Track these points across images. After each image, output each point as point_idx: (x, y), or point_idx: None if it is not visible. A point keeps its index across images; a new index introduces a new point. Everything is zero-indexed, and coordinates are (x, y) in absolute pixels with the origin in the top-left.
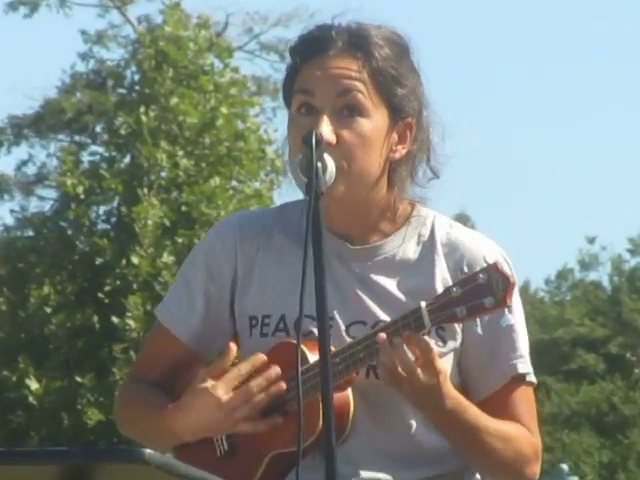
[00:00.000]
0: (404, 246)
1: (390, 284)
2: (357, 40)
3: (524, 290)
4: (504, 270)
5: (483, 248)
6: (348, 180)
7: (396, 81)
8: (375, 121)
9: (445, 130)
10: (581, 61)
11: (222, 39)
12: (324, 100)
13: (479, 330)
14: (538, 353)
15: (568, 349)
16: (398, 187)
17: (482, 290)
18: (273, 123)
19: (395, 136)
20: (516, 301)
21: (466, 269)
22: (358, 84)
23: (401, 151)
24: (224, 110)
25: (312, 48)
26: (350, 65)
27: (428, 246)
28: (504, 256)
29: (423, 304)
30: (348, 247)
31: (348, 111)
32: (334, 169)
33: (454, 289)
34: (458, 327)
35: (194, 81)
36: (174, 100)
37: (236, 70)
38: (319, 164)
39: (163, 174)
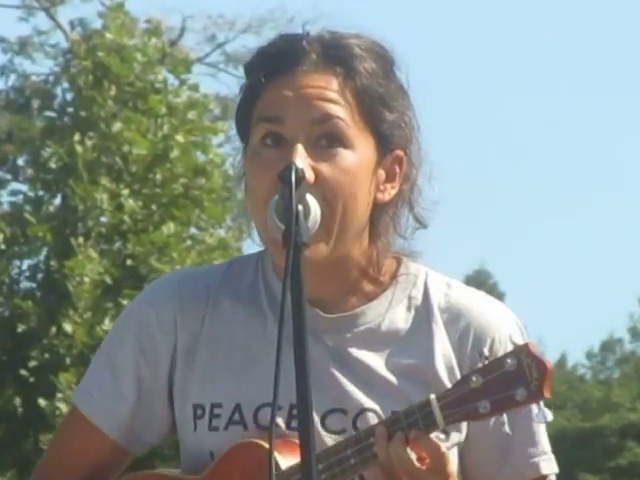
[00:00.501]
0: (391, 312)
1: (375, 361)
2: (335, 52)
3: (559, 365)
4: (538, 353)
5: (493, 314)
6: (330, 232)
7: (384, 103)
8: (361, 153)
9: (432, 169)
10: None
11: (178, 49)
12: (296, 128)
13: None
14: (577, 445)
15: (616, 440)
16: (383, 238)
17: (511, 379)
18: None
19: (382, 173)
20: None
21: (472, 341)
22: (339, 108)
23: (390, 192)
24: (180, 138)
25: (278, 63)
26: (328, 83)
27: (422, 312)
28: (518, 324)
29: (433, 397)
30: (320, 315)
31: (327, 141)
32: (318, 214)
33: (473, 378)
34: None
35: (142, 102)
36: (117, 126)
37: (195, 88)
38: (300, 207)
39: (103, 219)
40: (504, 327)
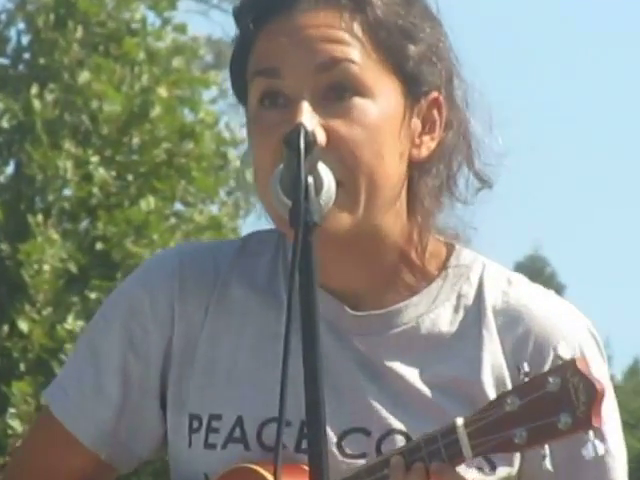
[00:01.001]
0: (435, 312)
1: (410, 372)
2: None
3: (631, 374)
4: (587, 372)
5: (561, 319)
6: (356, 201)
7: (406, 35)
8: (383, 101)
9: (493, 115)
10: None
11: None
12: (298, 81)
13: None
14: None
15: None
16: (425, 206)
17: (553, 403)
18: (239, 113)
19: (416, 122)
20: (607, 407)
21: (530, 352)
22: (348, 49)
23: (429, 145)
24: (162, 92)
25: (270, 3)
26: (333, 20)
27: (473, 314)
28: (592, 333)
29: (460, 422)
30: (348, 313)
31: (338, 91)
32: (333, 186)
33: (509, 400)
34: None
35: (115, 46)
36: (84, 76)
37: (182, 29)
38: (310, 179)
39: (67, 192)
40: (574, 336)
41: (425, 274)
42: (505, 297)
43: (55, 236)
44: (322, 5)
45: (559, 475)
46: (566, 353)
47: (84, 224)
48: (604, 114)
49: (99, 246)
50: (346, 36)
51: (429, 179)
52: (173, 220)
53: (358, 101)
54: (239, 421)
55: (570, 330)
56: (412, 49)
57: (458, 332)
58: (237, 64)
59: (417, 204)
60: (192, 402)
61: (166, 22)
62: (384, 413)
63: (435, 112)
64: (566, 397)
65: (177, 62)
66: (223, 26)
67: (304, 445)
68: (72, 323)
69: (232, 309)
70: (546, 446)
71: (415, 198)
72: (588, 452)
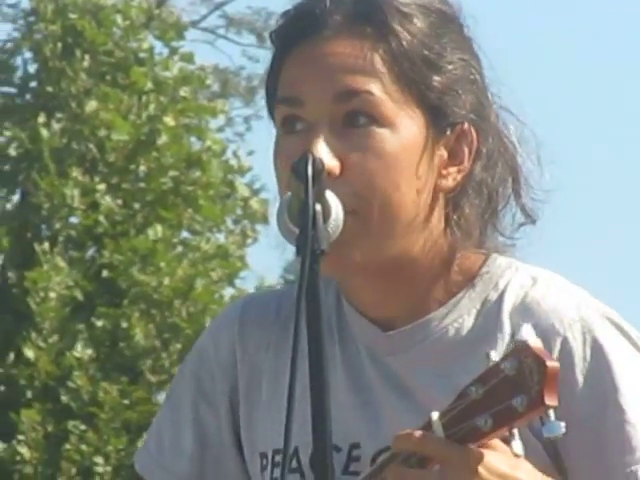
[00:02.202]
0: (459, 321)
1: (439, 385)
2: (365, 8)
3: None
4: (539, 350)
5: (565, 307)
6: (368, 231)
7: (431, 65)
8: (403, 132)
9: (541, 150)
10: None
11: (167, 10)
12: (317, 109)
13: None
14: None
15: None
16: (463, 231)
17: (511, 386)
18: (246, 141)
19: (443, 153)
20: (627, 379)
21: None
22: (368, 79)
23: (455, 176)
24: (169, 121)
25: (297, 29)
26: (354, 49)
27: (492, 317)
28: (613, 320)
29: (436, 415)
30: (381, 335)
31: (354, 122)
32: (341, 214)
33: (474, 388)
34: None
35: (123, 75)
36: (91, 105)
37: (189, 59)
38: (317, 207)
39: (74, 220)
40: (582, 323)
41: (455, 285)
42: (524, 297)
43: (61, 264)
44: (345, 33)
45: (582, 456)
46: (576, 339)
47: (90, 252)
48: None
49: (105, 274)
50: (367, 66)
51: (464, 204)
52: (180, 248)
53: (375, 131)
54: (296, 452)
55: (579, 316)
56: (436, 80)
57: (479, 337)
58: (268, 87)
59: (452, 226)
60: (260, 441)
61: (173, 51)
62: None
63: (463, 143)
64: (521, 379)
65: (184, 91)
66: (229, 56)
67: (352, 467)
68: (81, 351)
69: (290, 346)
70: (515, 430)
71: (450, 220)
72: (548, 431)
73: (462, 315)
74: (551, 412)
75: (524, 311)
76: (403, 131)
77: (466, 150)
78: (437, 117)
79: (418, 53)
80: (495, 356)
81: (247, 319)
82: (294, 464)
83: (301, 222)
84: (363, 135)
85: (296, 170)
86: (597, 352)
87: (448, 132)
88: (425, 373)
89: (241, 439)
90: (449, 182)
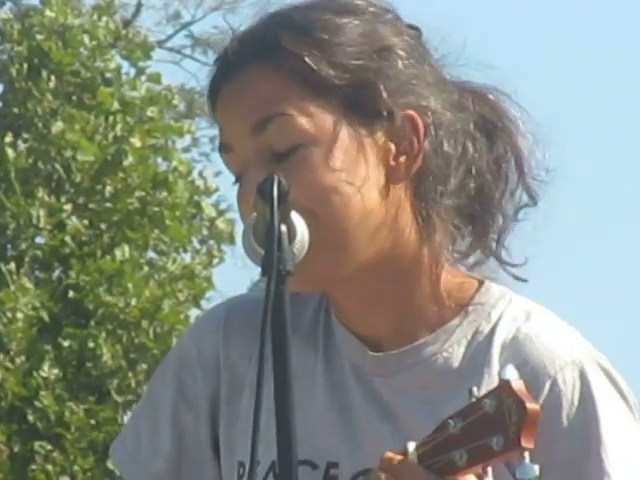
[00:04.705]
0: (449, 350)
1: (423, 413)
2: (262, 34)
3: None
4: (521, 392)
5: (563, 351)
6: (322, 246)
7: (336, 66)
8: (327, 140)
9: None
10: None
11: (133, 30)
12: (243, 149)
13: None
14: None
15: None
16: (434, 222)
17: (490, 424)
18: (212, 161)
19: (386, 145)
20: (614, 434)
21: (526, 383)
22: (277, 102)
23: (407, 164)
24: (136, 142)
25: (215, 77)
26: (259, 80)
27: (481, 351)
28: (603, 367)
29: (412, 446)
30: (369, 355)
31: (277, 149)
32: (307, 234)
33: (452, 422)
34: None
35: (89, 96)
36: (58, 126)
37: (156, 79)
38: (283, 228)
39: (40, 240)
40: (573, 366)
41: (446, 310)
42: (516, 332)
43: (28, 284)
44: (252, 67)
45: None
46: (566, 382)
47: (57, 272)
48: None
49: (72, 294)
50: (274, 92)
51: (427, 198)
52: (146, 269)
53: (301, 152)
54: (273, 466)
55: (571, 357)
56: (346, 78)
57: (466, 369)
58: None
59: (423, 226)
60: (239, 450)
61: (140, 72)
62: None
63: (406, 131)
64: (500, 418)
65: (151, 111)
66: (195, 75)
67: None
68: (47, 372)
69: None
70: (489, 469)
71: (419, 218)
72: (521, 475)
73: (452, 344)
74: (526, 454)
75: (515, 346)
76: (326, 140)
77: (414, 137)
78: (360, 114)
79: (318, 60)
80: (477, 392)
81: (231, 326)
82: (270, 478)
83: (266, 243)
84: (291, 161)
85: (261, 191)
86: (585, 399)
87: (379, 125)
88: (410, 399)
89: (219, 443)
90: (401, 172)
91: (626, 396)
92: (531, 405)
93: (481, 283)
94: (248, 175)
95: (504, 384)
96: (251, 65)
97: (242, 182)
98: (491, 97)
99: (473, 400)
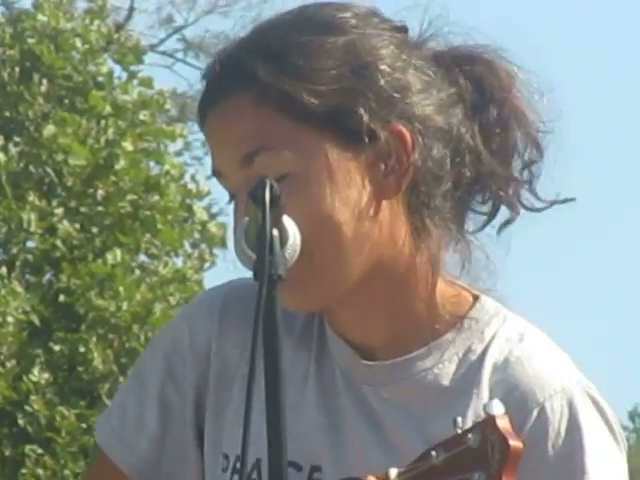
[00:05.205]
0: (440, 367)
1: (409, 426)
2: (241, 64)
3: None
4: (505, 430)
5: (554, 379)
6: (316, 270)
7: (314, 93)
8: (315, 166)
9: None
10: None
11: (126, 34)
12: (233, 179)
13: None
14: None
15: None
16: (434, 239)
17: (472, 458)
18: (204, 165)
19: (375, 163)
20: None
21: (513, 408)
22: (262, 134)
23: (397, 179)
24: (128, 145)
25: (202, 100)
26: (241, 111)
27: (472, 371)
28: (593, 397)
29: (394, 473)
30: (360, 362)
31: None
32: (298, 239)
33: (435, 453)
34: None
35: (81, 100)
36: (49, 129)
37: (148, 83)
38: (275, 232)
39: (31, 244)
40: (562, 394)
41: (440, 322)
42: (508, 354)
43: (19, 288)
44: (232, 94)
45: None
46: (554, 410)
47: (48, 276)
48: None
49: (63, 298)
50: (254, 123)
51: (420, 209)
52: (138, 273)
53: (289, 181)
54: (257, 464)
55: (561, 385)
56: (323, 103)
57: (456, 388)
58: None
59: (421, 239)
60: (225, 442)
61: (132, 75)
62: (383, 463)
63: (392, 147)
64: (483, 454)
65: (143, 115)
66: (188, 79)
67: None
68: (38, 376)
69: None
70: None
71: (415, 232)
72: None
73: (444, 361)
74: None
75: (507, 370)
76: (313, 167)
77: (402, 152)
78: (343, 138)
79: (298, 91)
80: (462, 423)
81: (228, 314)
82: (254, 476)
83: (258, 247)
84: (282, 189)
85: (253, 195)
86: (573, 429)
87: (364, 146)
88: (398, 411)
89: (203, 430)
90: (392, 187)
91: (612, 427)
92: (514, 443)
93: (476, 298)
94: (242, 196)
95: (489, 419)
96: (232, 95)
97: (236, 201)
98: (484, 56)
99: (458, 432)
